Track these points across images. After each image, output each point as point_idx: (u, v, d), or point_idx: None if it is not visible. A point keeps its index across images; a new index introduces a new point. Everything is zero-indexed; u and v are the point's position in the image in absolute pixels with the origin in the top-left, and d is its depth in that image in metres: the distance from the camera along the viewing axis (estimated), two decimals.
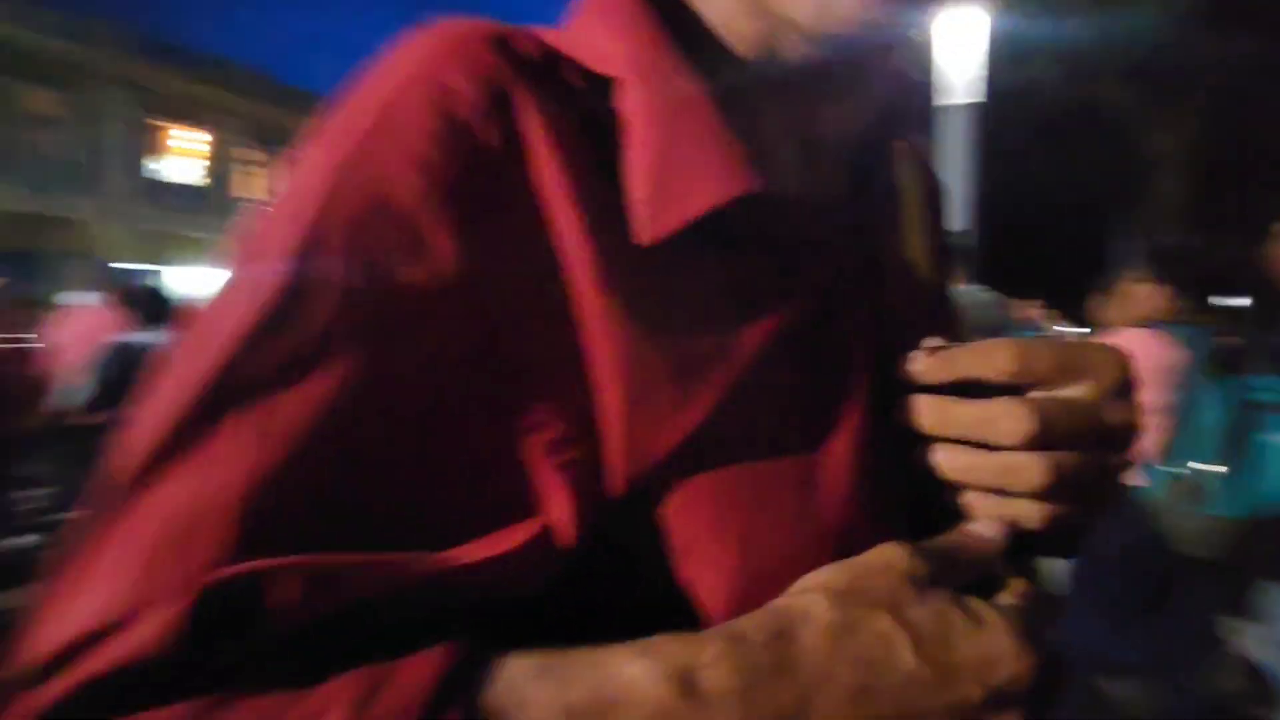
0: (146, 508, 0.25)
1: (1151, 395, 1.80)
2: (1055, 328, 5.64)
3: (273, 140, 17.43)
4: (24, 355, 4.34)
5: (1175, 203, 5.94)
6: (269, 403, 0.26)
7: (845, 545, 0.30)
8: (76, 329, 4.14)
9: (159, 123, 15.80)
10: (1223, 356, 1.73)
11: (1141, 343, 1.84)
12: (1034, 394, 0.31)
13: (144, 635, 0.23)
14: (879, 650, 0.26)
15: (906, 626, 0.26)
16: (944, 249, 0.48)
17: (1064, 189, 9.46)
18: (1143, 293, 1.95)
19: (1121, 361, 0.32)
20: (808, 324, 0.33)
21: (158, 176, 15.78)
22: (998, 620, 0.27)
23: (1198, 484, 1.68)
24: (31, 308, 4.51)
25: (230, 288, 0.30)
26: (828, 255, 0.35)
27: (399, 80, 0.30)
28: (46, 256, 7.47)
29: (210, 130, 16.75)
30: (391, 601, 0.27)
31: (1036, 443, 0.29)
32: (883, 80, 0.37)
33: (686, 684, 0.25)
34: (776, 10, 0.32)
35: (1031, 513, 0.31)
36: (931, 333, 0.35)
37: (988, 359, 0.31)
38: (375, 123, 0.29)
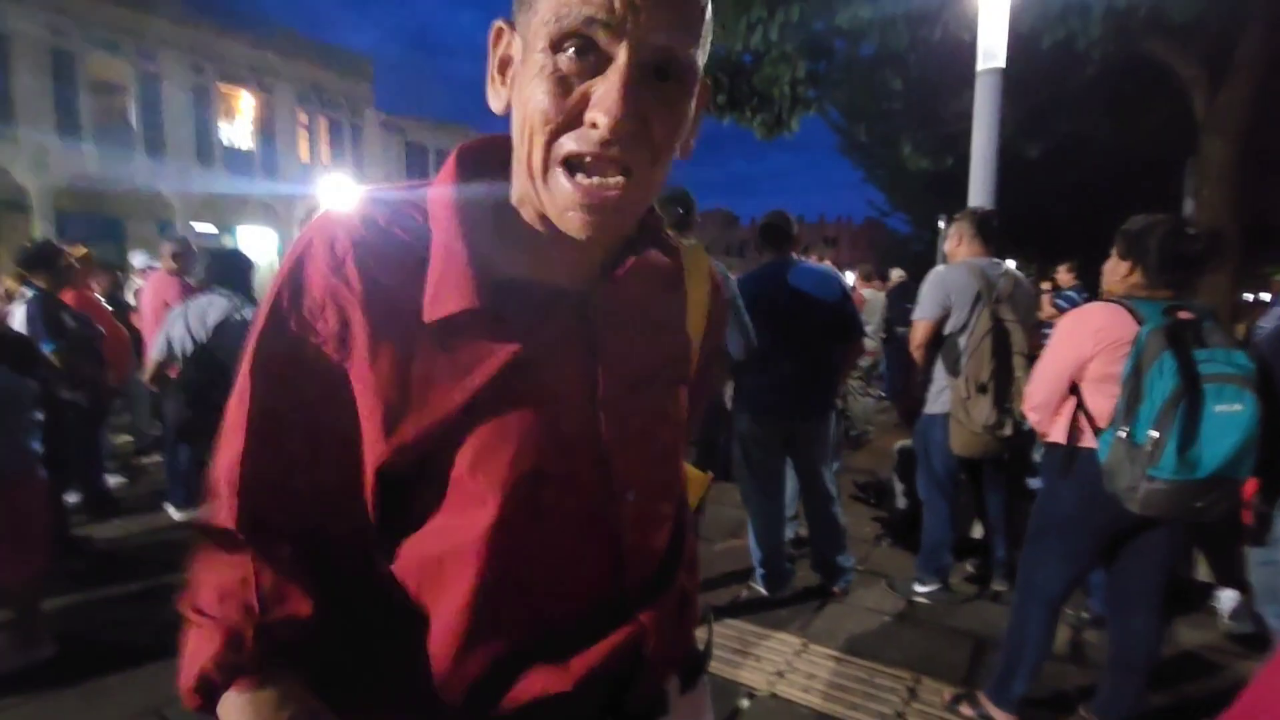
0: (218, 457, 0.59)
1: (1107, 366, 1.92)
2: (1068, 291, 5.62)
3: (321, 103, 17.73)
4: (113, 316, 4.70)
5: (1218, 163, 5.75)
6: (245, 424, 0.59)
7: (566, 465, 0.60)
8: (152, 291, 4.47)
9: (223, 87, 16.28)
10: (1178, 330, 1.83)
11: (1101, 316, 1.96)
12: None
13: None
14: None
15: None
16: (718, 317, 0.79)
17: (1115, 150, 9.08)
18: (1111, 268, 2.05)
19: None
20: (531, 353, 0.59)
21: (220, 140, 16.33)
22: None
23: (1147, 448, 1.81)
24: (113, 271, 4.92)
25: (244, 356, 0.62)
26: (548, 316, 0.61)
27: (303, 248, 0.59)
28: (116, 221, 7.95)
29: (264, 93, 17.18)
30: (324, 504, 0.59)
31: None
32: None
33: None
34: (544, 205, 0.58)
35: None
36: (657, 357, 0.68)
37: None
38: (290, 270, 0.59)
